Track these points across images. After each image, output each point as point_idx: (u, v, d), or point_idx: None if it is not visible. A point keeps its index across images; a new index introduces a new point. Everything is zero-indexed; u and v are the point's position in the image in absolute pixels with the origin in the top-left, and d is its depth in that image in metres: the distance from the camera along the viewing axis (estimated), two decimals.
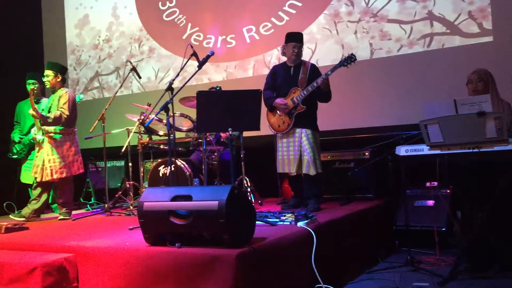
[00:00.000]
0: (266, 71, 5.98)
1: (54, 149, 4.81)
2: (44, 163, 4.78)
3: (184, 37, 6.88)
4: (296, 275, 3.10)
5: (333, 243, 3.61)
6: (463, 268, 3.52)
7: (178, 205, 2.85)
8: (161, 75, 7.11)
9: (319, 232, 3.30)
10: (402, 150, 3.74)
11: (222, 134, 5.34)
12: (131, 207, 5.17)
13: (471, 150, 3.26)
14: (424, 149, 3.57)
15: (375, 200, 4.93)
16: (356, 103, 5.72)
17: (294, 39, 4.59)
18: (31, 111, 4.70)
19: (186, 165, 5.10)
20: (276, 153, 4.66)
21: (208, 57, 4.17)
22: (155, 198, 2.94)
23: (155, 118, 4.71)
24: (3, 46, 7.33)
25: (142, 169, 5.45)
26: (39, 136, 4.83)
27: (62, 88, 4.98)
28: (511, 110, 3.78)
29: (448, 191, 4.50)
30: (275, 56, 6.27)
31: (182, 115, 5.10)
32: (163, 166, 5.22)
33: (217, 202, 2.70)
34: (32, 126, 5.08)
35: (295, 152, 4.49)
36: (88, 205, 6.12)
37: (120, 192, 5.58)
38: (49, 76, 4.95)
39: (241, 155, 5.15)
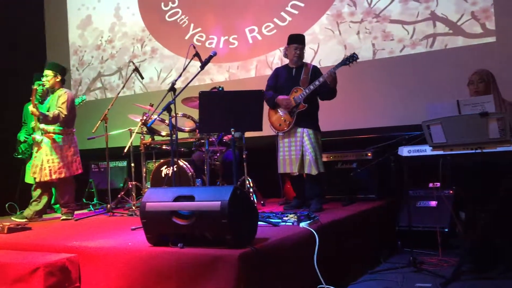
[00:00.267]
0: (268, 72, 5.99)
1: (53, 149, 4.81)
2: (43, 163, 4.78)
3: (186, 37, 6.89)
4: (298, 275, 3.10)
5: (335, 244, 3.61)
6: (466, 269, 3.51)
7: (180, 205, 2.85)
8: (164, 75, 7.11)
9: (321, 233, 3.29)
10: (405, 151, 3.74)
11: (225, 137, 5.35)
12: (134, 208, 5.17)
13: (474, 151, 3.25)
14: (426, 150, 3.57)
15: (377, 201, 4.92)
16: (359, 103, 5.71)
17: (296, 41, 4.60)
18: (31, 108, 4.69)
19: (189, 166, 5.11)
20: (278, 153, 4.66)
21: (210, 57, 4.17)
22: (158, 199, 2.94)
23: (158, 118, 4.70)
24: (5, 47, 7.34)
25: (144, 170, 5.46)
26: (38, 136, 4.83)
27: (61, 89, 4.98)
28: None
29: (451, 191, 4.49)
30: (277, 57, 6.27)
31: (184, 115, 5.10)
32: (165, 166, 5.22)
33: (219, 202, 2.70)
34: None
35: (296, 152, 4.49)
36: (90, 206, 6.13)
37: (122, 193, 5.58)
38: (48, 76, 4.95)
39: (244, 156, 5.16)
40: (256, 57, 6.44)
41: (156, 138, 5.43)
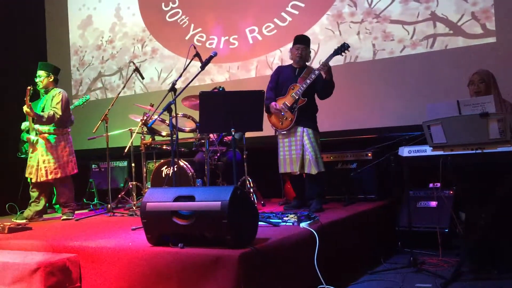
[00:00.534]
0: (269, 72, 5.99)
1: (49, 149, 4.80)
2: (38, 164, 4.78)
3: (187, 37, 6.89)
4: (298, 275, 3.10)
5: (335, 244, 3.61)
6: (466, 269, 3.51)
7: (181, 205, 2.85)
8: (164, 75, 7.12)
9: (321, 233, 3.30)
10: (405, 151, 3.74)
11: (226, 138, 5.35)
12: (134, 208, 5.17)
13: (474, 151, 3.25)
14: (427, 150, 3.57)
15: (377, 201, 4.93)
16: (359, 103, 5.71)
17: (299, 41, 4.62)
18: (25, 108, 4.68)
19: (189, 166, 5.11)
20: (278, 153, 4.67)
21: (211, 57, 4.17)
22: (158, 199, 2.94)
23: (158, 118, 4.72)
24: (6, 47, 7.35)
25: (145, 170, 5.46)
26: (33, 137, 4.83)
27: (55, 88, 4.98)
28: None
29: (451, 192, 4.49)
30: (277, 57, 6.27)
31: (185, 115, 5.11)
32: (166, 166, 5.22)
33: (220, 202, 2.70)
34: None
35: (297, 151, 4.49)
36: (91, 206, 6.13)
37: (123, 193, 5.59)
38: (41, 76, 4.95)
39: (244, 156, 5.16)
40: (256, 57, 6.44)
41: (157, 138, 5.44)
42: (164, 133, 5.31)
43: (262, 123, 3.93)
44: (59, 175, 4.81)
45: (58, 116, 4.79)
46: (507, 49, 4.98)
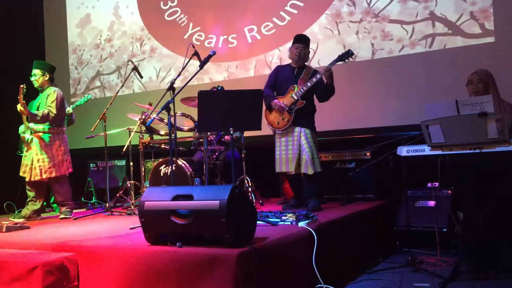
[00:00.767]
0: (267, 71, 5.99)
1: (43, 148, 4.79)
2: (33, 163, 4.77)
3: (185, 36, 6.88)
4: (296, 275, 3.10)
5: (334, 243, 3.61)
6: (464, 269, 3.52)
7: (179, 204, 2.85)
8: (163, 74, 7.11)
9: (320, 232, 3.30)
10: (403, 151, 3.74)
11: (226, 137, 5.35)
12: (132, 207, 5.17)
13: (472, 151, 3.25)
14: (425, 150, 3.57)
15: (376, 201, 4.93)
16: (358, 103, 5.71)
17: (297, 41, 4.62)
18: (19, 106, 4.67)
19: (187, 165, 5.11)
20: (274, 152, 4.67)
21: (209, 57, 4.16)
22: (156, 198, 2.94)
23: (157, 117, 4.71)
24: (5, 47, 7.34)
25: (143, 169, 5.45)
26: (28, 136, 4.82)
27: (50, 87, 4.97)
28: None
29: (449, 191, 4.50)
30: (276, 56, 6.27)
31: (183, 114, 5.10)
32: (164, 165, 5.22)
33: (218, 201, 2.70)
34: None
35: (294, 151, 4.49)
36: (89, 204, 6.12)
37: (121, 192, 5.58)
38: (36, 75, 4.94)
39: (242, 155, 5.16)
40: (255, 56, 6.44)
41: (155, 137, 5.43)
42: (162, 132, 5.30)
43: (260, 122, 3.93)
44: (53, 174, 4.79)
45: (53, 115, 4.78)
46: (505, 49, 4.99)
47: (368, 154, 5.08)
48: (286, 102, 4.50)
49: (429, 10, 5.40)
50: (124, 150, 5.02)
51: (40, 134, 4.81)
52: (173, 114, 4.01)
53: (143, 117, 5.07)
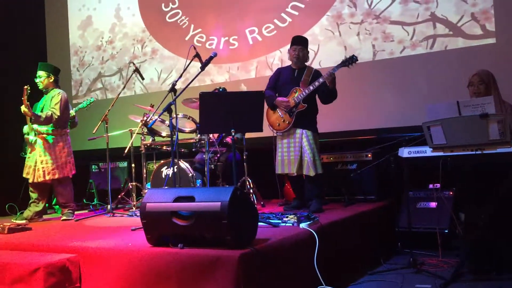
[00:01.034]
0: (268, 73, 6.00)
1: (47, 150, 4.80)
2: (36, 164, 4.77)
3: (187, 38, 6.89)
4: (298, 276, 3.10)
5: (335, 245, 3.61)
6: (465, 270, 3.52)
7: (180, 206, 2.86)
8: (164, 76, 7.12)
9: (321, 234, 3.30)
10: (405, 152, 3.74)
11: (227, 138, 5.35)
12: (134, 208, 5.18)
13: (474, 152, 3.25)
14: (426, 151, 3.57)
15: (377, 202, 4.92)
16: (359, 104, 5.71)
17: (296, 42, 4.63)
18: (22, 108, 4.68)
19: (189, 167, 5.11)
20: (276, 154, 4.67)
21: (211, 58, 4.17)
22: (158, 199, 2.94)
23: (158, 119, 4.72)
24: (6, 47, 7.35)
25: (145, 170, 5.46)
26: (31, 137, 4.83)
27: (54, 89, 4.97)
28: None
29: (451, 193, 4.49)
30: (277, 58, 6.27)
31: (185, 116, 5.11)
32: (166, 167, 5.22)
33: (219, 203, 2.70)
34: None
35: (295, 153, 4.50)
36: (91, 206, 6.13)
37: (123, 193, 5.59)
38: (41, 77, 4.94)
39: (244, 156, 5.16)
40: (256, 58, 6.45)
41: (157, 139, 5.44)
42: (164, 134, 5.31)
43: (262, 123, 3.93)
44: (56, 176, 4.80)
45: (56, 117, 4.79)
46: (507, 50, 4.99)
47: (369, 155, 5.08)
48: (289, 101, 4.51)
49: (430, 12, 5.40)
50: (126, 151, 5.02)
51: (44, 135, 4.82)
52: (174, 115, 4.01)
53: (145, 118, 5.08)
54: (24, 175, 4.90)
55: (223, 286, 2.56)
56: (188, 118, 5.13)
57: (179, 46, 6.93)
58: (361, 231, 4.22)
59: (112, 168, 6.76)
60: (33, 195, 4.88)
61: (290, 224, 3.51)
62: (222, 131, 4.91)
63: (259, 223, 3.09)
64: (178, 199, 2.88)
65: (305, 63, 4.70)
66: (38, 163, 4.76)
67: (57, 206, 5.60)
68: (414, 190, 4.72)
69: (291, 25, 6.17)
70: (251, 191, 5.05)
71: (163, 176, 5.20)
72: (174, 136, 4.08)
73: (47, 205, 5.06)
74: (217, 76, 6.70)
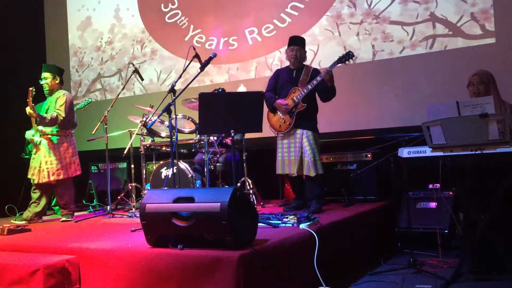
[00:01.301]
0: (268, 73, 6.00)
1: (51, 150, 4.80)
2: (41, 165, 4.77)
3: (186, 39, 6.89)
4: (298, 277, 3.10)
5: (335, 245, 3.61)
6: (465, 270, 3.51)
7: (180, 207, 2.85)
8: (163, 77, 7.12)
9: (321, 234, 3.29)
10: (405, 152, 3.74)
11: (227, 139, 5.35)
12: (133, 209, 5.17)
13: (473, 152, 3.25)
14: (426, 151, 3.57)
15: (377, 202, 4.92)
16: (358, 104, 5.71)
17: (292, 43, 4.63)
18: (28, 109, 4.68)
19: (188, 167, 5.11)
20: (276, 154, 4.67)
21: (210, 59, 4.17)
22: (158, 200, 2.94)
23: (158, 120, 4.72)
24: (5, 48, 7.35)
25: (144, 171, 5.46)
26: (36, 138, 4.83)
27: (59, 90, 4.98)
28: None
29: (451, 193, 4.49)
30: (277, 58, 6.27)
31: (184, 117, 5.10)
32: (165, 168, 5.22)
33: (219, 204, 2.70)
34: None
35: (295, 153, 4.49)
36: (90, 207, 6.12)
37: (122, 194, 5.58)
38: (47, 78, 4.94)
39: (243, 157, 5.16)
40: (256, 58, 6.44)
41: (156, 139, 5.43)
42: (163, 134, 5.30)
43: (261, 124, 3.93)
44: (61, 177, 4.80)
45: (61, 118, 4.80)
46: (506, 50, 4.99)
47: (369, 155, 5.08)
48: (289, 103, 4.51)
49: (430, 12, 5.40)
50: (125, 152, 5.02)
51: (49, 136, 4.82)
52: (174, 116, 4.01)
53: (144, 119, 5.07)
54: (29, 176, 4.90)
55: (223, 287, 2.56)
56: (188, 119, 5.12)
57: (179, 47, 6.93)
58: (361, 232, 4.22)
59: (112, 169, 6.75)
60: (35, 195, 4.88)
61: (290, 225, 3.50)
62: (222, 132, 4.90)
63: (259, 224, 3.09)
64: (177, 200, 2.88)
65: (303, 63, 4.69)
66: (43, 164, 4.77)
67: (57, 207, 5.60)
68: (414, 190, 4.71)
69: (291, 26, 6.16)
70: (251, 191, 5.05)
71: (163, 177, 5.20)
72: (174, 137, 4.07)
73: (47, 206, 5.06)
74: (217, 77, 6.70)
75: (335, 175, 5.15)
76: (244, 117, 3.86)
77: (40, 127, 4.81)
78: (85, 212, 5.72)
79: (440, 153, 3.42)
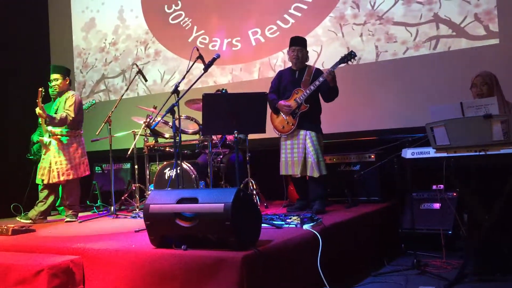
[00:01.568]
0: (271, 74, 6.00)
1: (61, 151, 4.83)
2: (51, 165, 4.81)
3: (189, 40, 6.90)
4: (302, 277, 3.10)
5: (338, 246, 3.61)
6: (469, 272, 3.50)
7: (184, 207, 2.86)
8: (167, 77, 7.13)
9: (325, 235, 3.29)
10: (408, 153, 3.73)
11: (228, 137, 5.35)
12: (137, 210, 5.18)
13: (477, 153, 3.25)
14: (430, 152, 3.56)
15: (380, 203, 4.91)
16: (362, 105, 5.71)
17: (294, 43, 4.64)
18: (37, 110, 4.71)
19: (192, 168, 5.11)
20: (280, 155, 4.67)
21: (213, 60, 4.17)
22: (161, 201, 2.95)
23: (161, 120, 4.72)
24: (10, 49, 7.37)
25: (148, 172, 5.47)
26: (46, 139, 4.86)
27: (69, 91, 5.01)
28: None
29: (455, 194, 4.48)
30: (280, 59, 6.27)
31: (188, 117, 5.11)
32: (169, 168, 5.23)
33: (223, 204, 2.71)
34: None
35: (299, 154, 4.50)
36: (94, 208, 6.14)
37: (126, 195, 5.59)
38: (58, 79, 4.97)
39: (247, 158, 5.16)
40: (259, 59, 6.45)
41: (160, 140, 5.44)
42: (167, 135, 5.31)
43: (265, 125, 3.93)
44: (71, 177, 4.83)
45: (71, 118, 4.83)
46: (510, 51, 4.97)
47: (372, 156, 5.07)
48: (291, 104, 4.51)
49: (433, 12, 5.39)
50: (129, 153, 5.03)
51: (58, 136, 4.85)
52: (177, 117, 4.02)
53: (148, 120, 5.08)
54: (38, 177, 4.92)
55: (226, 287, 2.56)
56: (191, 120, 5.13)
57: (182, 48, 6.94)
58: (365, 233, 4.21)
59: (116, 169, 6.77)
60: (42, 195, 4.91)
61: (294, 226, 3.51)
62: (225, 133, 4.91)
63: (263, 225, 3.09)
64: (181, 201, 2.88)
65: (306, 63, 4.70)
66: (53, 164, 4.80)
67: (61, 208, 5.62)
68: (417, 191, 4.70)
69: (294, 27, 6.16)
70: (254, 192, 5.05)
71: (166, 177, 5.21)
72: (177, 138, 4.08)
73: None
74: (220, 78, 6.70)
75: (339, 176, 5.14)
76: (248, 118, 3.87)
77: (49, 128, 4.83)
78: (89, 213, 5.74)
79: (444, 154, 3.41)
